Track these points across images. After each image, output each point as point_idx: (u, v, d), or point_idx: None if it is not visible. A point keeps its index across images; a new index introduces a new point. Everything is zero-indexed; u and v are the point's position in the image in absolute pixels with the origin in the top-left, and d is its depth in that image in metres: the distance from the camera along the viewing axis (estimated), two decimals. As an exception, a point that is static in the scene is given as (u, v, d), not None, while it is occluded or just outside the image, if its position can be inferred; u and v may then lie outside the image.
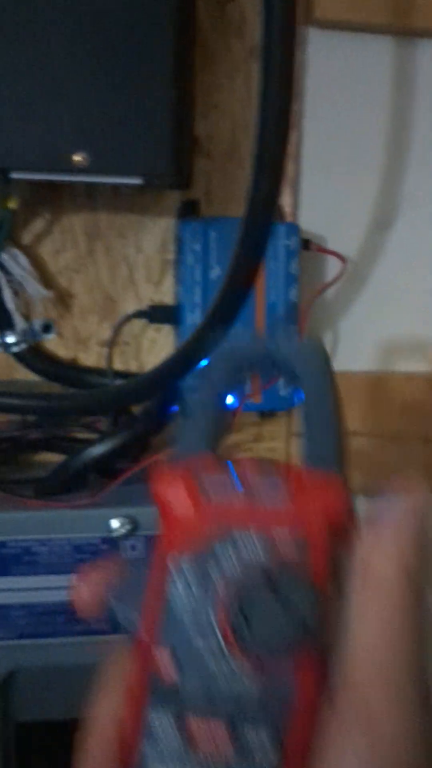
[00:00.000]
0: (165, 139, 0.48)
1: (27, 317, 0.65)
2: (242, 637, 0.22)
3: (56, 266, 0.66)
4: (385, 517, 0.23)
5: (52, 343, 0.67)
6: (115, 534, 0.57)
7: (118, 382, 0.66)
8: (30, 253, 0.64)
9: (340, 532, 0.23)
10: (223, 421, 0.27)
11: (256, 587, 0.22)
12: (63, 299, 0.67)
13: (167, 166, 0.49)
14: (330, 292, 0.72)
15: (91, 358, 0.68)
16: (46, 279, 0.65)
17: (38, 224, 0.65)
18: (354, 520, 0.23)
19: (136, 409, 0.66)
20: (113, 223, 0.66)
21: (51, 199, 0.64)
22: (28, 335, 0.65)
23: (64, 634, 0.58)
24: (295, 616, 0.22)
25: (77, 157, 0.47)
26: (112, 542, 0.58)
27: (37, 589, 0.58)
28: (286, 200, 0.68)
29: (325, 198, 0.71)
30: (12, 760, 0.61)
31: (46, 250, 0.65)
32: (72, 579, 0.25)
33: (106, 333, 0.67)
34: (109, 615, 0.25)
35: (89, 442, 0.62)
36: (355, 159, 0.71)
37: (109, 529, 0.58)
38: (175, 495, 0.24)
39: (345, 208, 0.71)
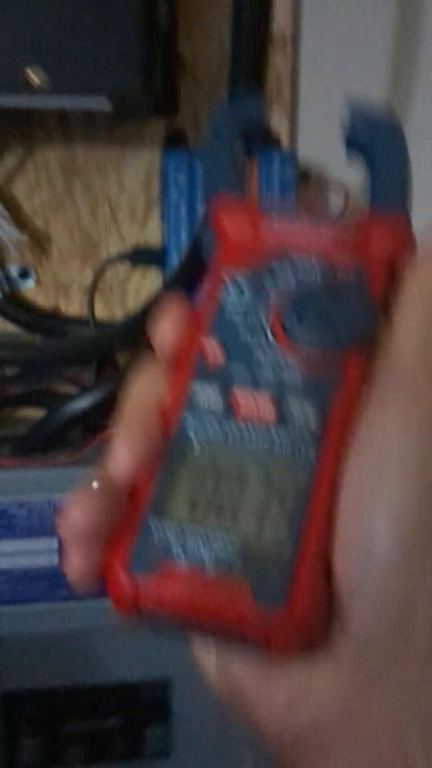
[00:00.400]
0: (132, 51, 0.43)
1: (1, 264, 0.60)
2: (292, 332, 0.23)
3: (31, 206, 0.61)
4: None
5: (30, 290, 0.62)
6: (97, 494, 0.53)
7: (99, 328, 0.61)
8: (1, 192, 0.59)
9: (398, 266, 0.24)
10: (244, 163, 0.27)
11: (310, 291, 0.24)
12: (40, 243, 0.62)
13: (136, 82, 0.43)
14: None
15: (73, 306, 0.63)
16: (20, 221, 0.60)
17: (9, 160, 0.59)
18: (412, 259, 0.24)
19: (122, 360, 0.61)
20: (92, 157, 0.60)
21: (22, 131, 0.59)
22: (3, 283, 0.61)
23: (47, 599, 0.54)
24: (345, 316, 0.23)
25: (33, 75, 0.42)
26: (96, 503, 0.54)
27: (16, 553, 0.54)
28: (282, 126, 0.62)
29: (326, 125, 0.64)
30: None
31: (18, 189, 0.60)
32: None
33: (88, 278, 0.62)
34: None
35: (72, 396, 0.58)
36: (358, 83, 0.64)
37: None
38: (234, 218, 0.25)
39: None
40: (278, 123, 0.62)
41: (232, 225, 0.25)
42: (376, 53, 0.64)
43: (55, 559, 0.54)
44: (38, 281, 0.62)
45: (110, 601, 0.20)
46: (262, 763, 0.59)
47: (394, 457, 0.21)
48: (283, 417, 0.22)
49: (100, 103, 0.45)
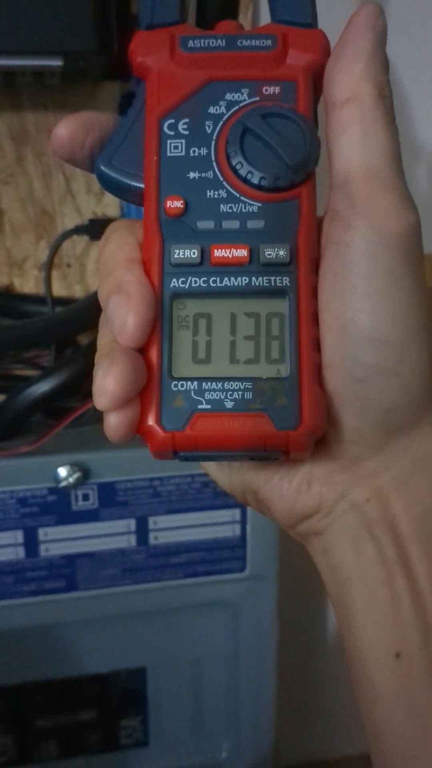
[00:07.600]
0: (86, 11, 0.39)
1: None
2: (243, 175, 0.23)
3: (-21, 178, 0.57)
4: (343, 39, 0.23)
5: (-18, 268, 0.59)
6: (63, 483, 0.51)
7: (60, 309, 0.58)
8: None
9: (318, 76, 0.24)
10: None
11: (253, 125, 0.23)
12: (-10, 216, 0.58)
13: (91, 43, 0.39)
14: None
15: (28, 283, 0.60)
16: (-32, 193, 0.57)
17: None
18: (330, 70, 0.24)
19: (83, 340, 0.58)
20: (43, 123, 0.57)
21: (-34, 97, 0.54)
22: None
23: (12, 595, 0.52)
24: (292, 147, 0.23)
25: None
26: (61, 492, 0.52)
27: (-21, 548, 0.51)
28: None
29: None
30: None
31: (-35, 159, 0.56)
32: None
33: (43, 254, 0.59)
34: (103, 180, 0.25)
35: (31, 380, 0.55)
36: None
37: (57, 479, 0.51)
38: (155, 52, 0.24)
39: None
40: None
41: (156, 65, 0.24)
42: None
43: (21, 553, 0.52)
44: (-10, 258, 0.58)
45: (151, 453, 0.23)
46: (238, 750, 0.58)
47: (366, 272, 0.22)
48: (254, 256, 0.23)
49: (49, 60, 0.42)
